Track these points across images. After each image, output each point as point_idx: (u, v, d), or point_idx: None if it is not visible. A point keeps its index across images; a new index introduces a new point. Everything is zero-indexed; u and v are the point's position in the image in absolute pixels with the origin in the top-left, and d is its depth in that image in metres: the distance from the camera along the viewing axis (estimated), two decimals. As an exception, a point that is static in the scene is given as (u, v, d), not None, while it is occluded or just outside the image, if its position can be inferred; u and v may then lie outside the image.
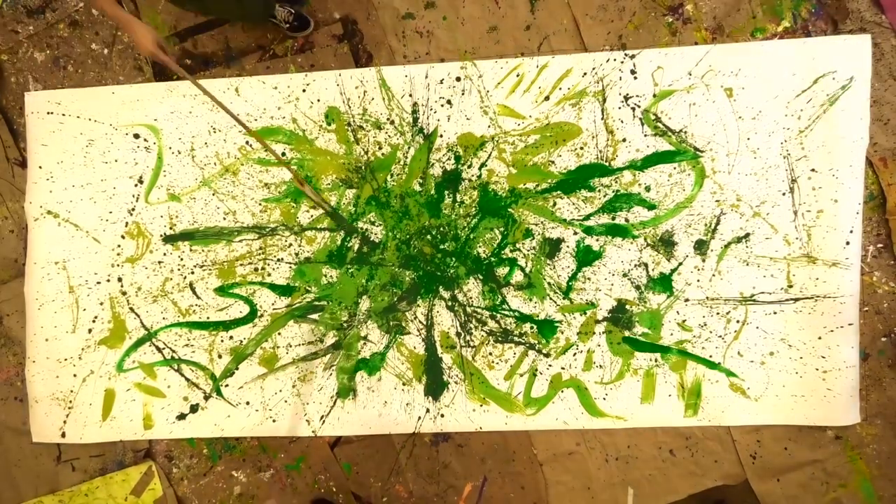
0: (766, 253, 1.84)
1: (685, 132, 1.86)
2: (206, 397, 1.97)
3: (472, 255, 1.92)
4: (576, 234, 1.89)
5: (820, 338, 1.82)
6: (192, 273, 1.98)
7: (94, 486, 2.00)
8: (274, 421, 1.96)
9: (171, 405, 1.98)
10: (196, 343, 1.98)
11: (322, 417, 1.95)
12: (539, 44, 1.91)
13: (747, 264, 1.85)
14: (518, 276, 1.91)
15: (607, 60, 1.87)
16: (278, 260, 1.96)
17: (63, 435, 2.00)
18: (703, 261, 1.86)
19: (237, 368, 1.97)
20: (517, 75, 1.90)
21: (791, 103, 1.83)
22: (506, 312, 1.91)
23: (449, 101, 1.92)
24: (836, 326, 1.82)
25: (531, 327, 1.90)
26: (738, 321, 1.85)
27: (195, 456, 2.01)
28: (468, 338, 1.92)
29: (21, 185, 2.04)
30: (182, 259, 1.98)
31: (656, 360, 1.87)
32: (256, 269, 1.97)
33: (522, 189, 1.90)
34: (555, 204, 1.89)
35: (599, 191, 1.88)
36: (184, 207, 1.98)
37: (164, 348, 1.98)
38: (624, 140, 1.87)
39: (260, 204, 1.97)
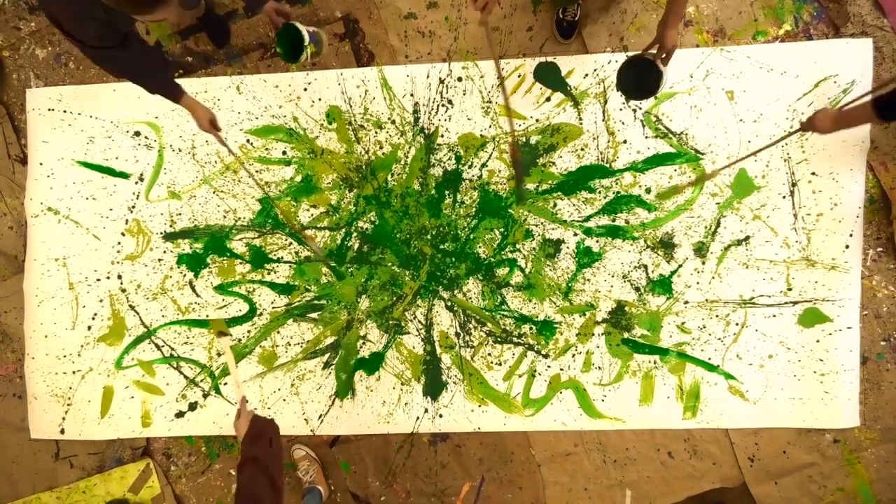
0: (766, 256, 1.84)
1: (686, 134, 1.86)
2: (205, 395, 1.97)
3: (472, 256, 1.92)
4: (576, 235, 1.89)
5: (818, 341, 1.83)
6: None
7: (91, 484, 2.00)
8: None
9: (170, 403, 1.98)
10: (195, 341, 1.98)
11: (320, 416, 1.95)
12: (541, 45, 1.91)
13: (747, 267, 1.85)
14: (518, 277, 1.91)
15: (609, 62, 1.87)
16: (278, 259, 1.97)
17: (62, 432, 2.00)
18: (703, 263, 1.86)
19: (236, 367, 1.97)
20: (519, 76, 1.90)
21: (792, 106, 1.83)
22: (505, 313, 1.91)
23: (450, 101, 1.92)
24: (835, 330, 1.82)
25: (530, 328, 1.90)
26: (737, 324, 1.85)
27: (193, 454, 2.01)
28: (467, 338, 1.92)
29: (21, 181, 2.04)
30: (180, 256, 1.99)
31: (655, 362, 1.87)
32: (256, 268, 1.97)
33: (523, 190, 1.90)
34: (555, 205, 1.90)
35: (600, 192, 1.89)
36: (184, 205, 1.98)
37: (163, 346, 1.99)
38: (625, 141, 1.87)
39: (260, 202, 1.97)
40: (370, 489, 1.96)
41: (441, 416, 1.92)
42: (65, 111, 2.01)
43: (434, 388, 1.93)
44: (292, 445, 1.96)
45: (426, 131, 1.93)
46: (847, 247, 1.81)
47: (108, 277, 2.00)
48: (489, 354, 1.91)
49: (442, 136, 1.92)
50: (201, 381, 1.97)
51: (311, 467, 1.90)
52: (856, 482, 1.84)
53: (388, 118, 1.94)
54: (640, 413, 1.87)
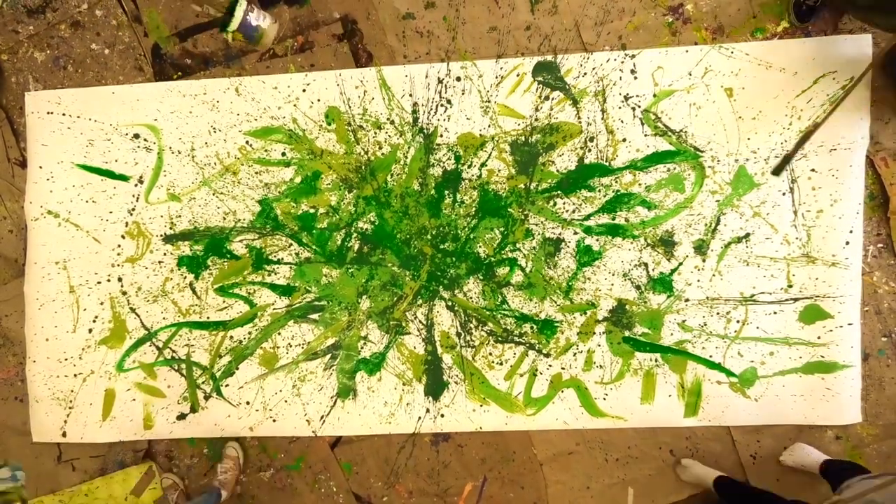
0: (766, 253, 1.84)
1: (685, 132, 1.86)
2: (207, 397, 1.97)
3: (472, 255, 1.92)
4: (576, 233, 1.89)
5: (819, 338, 1.82)
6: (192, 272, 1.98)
7: (94, 486, 2.00)
8: (274, 421, 1.96)
9: (172, 405, 1.98)
10: (196, 343, 1.98)
11: (322, 417, 1.95)
12: (539, 44, 1.91)
13: (747, 264, 1.85)
14: (518, 276, 1.91)
15: (607, 60, 1.87)
16: (278, 260, 1.97)
17: (63, 435, 2.00)
18: (704, 261, 1.86)
19: (237, 368, 1.97)
20: (517, 75, 1.90)
21: (791, 103, 1.83)
22: (506, 312, 1.91)
23: (449, 101, 1.92)
24: (836, 326, 1.82)
25: (531, 327, 1.90)
26: (738, 321, 1.85)
27: (195, 456, 2.01)
28: (468, 338, 1.92)
29: (20, 184, 2.04)
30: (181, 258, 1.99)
31: (656, 361, 1.87)
32: (256, 269, 1.97)
33: (522, 189, 1.90)
34: (555, 204, 1.89)
35: (599, 191, 1.88)
36: (184, 207, 1.98)
37: (164, 348, 1.99)
38: (624, 140, 1.87)
39: (260, 204, 1.97)
40: (372, 489, 1.96)
41: (443, 415, 1.92)
42: (64, 114, 2.01)
43: (435, 388, 1.93)
44: (228, 442, 1.96)
45: (425, 131, 1.93)
46: (847, 243, 1.81)
47: (108, 280, 2.00)
48: (490, 354, 1.91)
49: (441, 135, 1.92)
50: (202, 383, 1.97)
51: (231, 471, 1.91)
52: (858, 478, 1.83)
53: (387, 118, 1.93)
54: (641, 411, 1.87)
